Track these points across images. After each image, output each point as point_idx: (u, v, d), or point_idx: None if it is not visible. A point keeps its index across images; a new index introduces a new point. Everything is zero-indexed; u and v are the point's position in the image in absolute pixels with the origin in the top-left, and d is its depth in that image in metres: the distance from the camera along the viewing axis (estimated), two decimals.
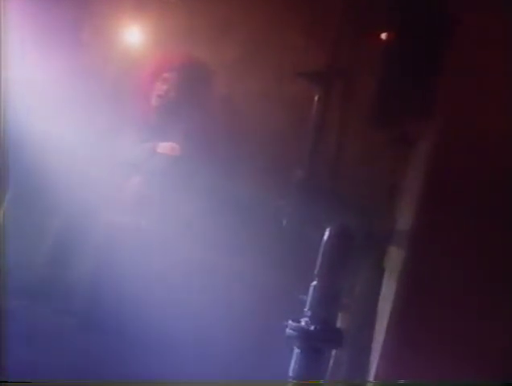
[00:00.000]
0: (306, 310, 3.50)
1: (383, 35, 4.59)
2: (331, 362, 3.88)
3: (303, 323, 3.46)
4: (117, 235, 5.09)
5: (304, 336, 3.41)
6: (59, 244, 5.34)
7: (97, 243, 5.22)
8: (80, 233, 5.34)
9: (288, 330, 3.47)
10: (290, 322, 3.48)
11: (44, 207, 5.45)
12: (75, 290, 5.23)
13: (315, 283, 3.54)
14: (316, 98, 4.99)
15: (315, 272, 3.52)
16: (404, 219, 4.30)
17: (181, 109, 5.45)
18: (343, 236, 3.53)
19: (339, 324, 3.61)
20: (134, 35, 5.74)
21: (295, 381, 3.60)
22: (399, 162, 4.56)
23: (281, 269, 4.86)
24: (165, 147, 5.35)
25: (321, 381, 3.66)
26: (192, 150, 5.30)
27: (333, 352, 3.62)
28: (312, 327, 3.42)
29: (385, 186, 4.65)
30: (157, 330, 4.76)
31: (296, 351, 3.47)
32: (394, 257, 4.23)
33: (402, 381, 3.64)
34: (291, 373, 3.52)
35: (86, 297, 5.10)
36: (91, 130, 5.38)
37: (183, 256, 5.01)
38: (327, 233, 3.53)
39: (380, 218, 4.55)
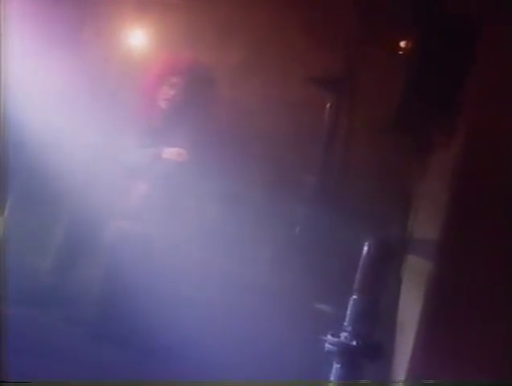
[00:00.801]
0: (345, 324, 3.47)
1: (403, 38, 4.57)
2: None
3: (343, 338, 3.43)
4: (123, 240, 4.99)
5: (345, 351, 3.39)
6: (63, 250, 5.24)
7: (103, 249, 5.12)
8: (86, 239, 5.24)
9: (327, 345, 3.44)
10: (329, 337, 3.45)
11: (48, 213, 5.37)
12: (82, 298, 5.11)
13: (354, 297, 3.51)
14: (328, 104, 4.94)
15: (355, 286, 3.50)
16: (424, 228, 4.30)
17: (187, 113, 5.35)
18: (383, 250, 3.51)
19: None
20: (136, 38, 5.72)
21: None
22: (419, 170, 4.55)
23: (295, 277, 4.82)
24: (171, 152, 5.27)
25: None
26: (198, 155, 5.22)
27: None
28: (354, 342, 3.40)
29: (402, 194, 4.64)
30: (167, 338, 4.66)
31: (336, 365, 3.44)
32: (415, 267, 4.24)
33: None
34: None
35: (94, 304, 4.96)
36: (95, 134, 5.27)
37: (191, 263, 4.94)
38: (366, 247, 3.51)
39: (395, 227, 4.55)
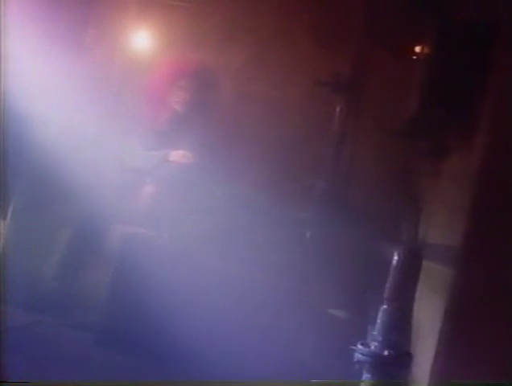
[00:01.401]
0: (375, 334, 3.45)
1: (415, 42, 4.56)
2: None
3: (373, 348, 3.41)
4: (131, 245, 4.93)
5: (377, 361, 3.36)
6: (69, 255, 5.17)
7: (110, 254, 5.05)
8: (92, 244, 5.17)
9: (358, 355, 3.41)
10: (359, 346, 3.43)
11: (52, 217, 5.30)
12: (88, 303, 5.04)
13: (384, 307, 3.49)
14: (338, 108, 4.92)
15: (385, 295, 3.47)
16: (440, 233, 4.29)
17: (196, 115, 5.31)
18: (413, 259, 3.49)
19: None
20: (141, 40, 5.69)
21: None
22: (434, 174, 4.54)
23: (307, 283, 4.80)
24: (177, 155, 5.21)
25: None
26: (206, 157, 5.17)
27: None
28: (386, 352, 3.37)
29: (416, 199, 4.64)
30: (176, 344, 4.61)
31: (366, 375, 3.42)
32: (434, 273, 4.22)
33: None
34: None
35: (102, 311, 4.89)
36: (100, 137, 5.20)
37: (200, 267, 4.89)
38: (396, 256, 3.49)
39: (408, 232, 4.55)
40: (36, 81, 5.07)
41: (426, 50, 4.50)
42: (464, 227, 3.72)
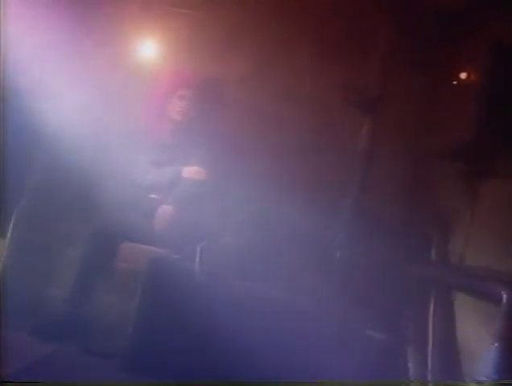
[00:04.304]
0: (491, 374, 3.57)
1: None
2: None
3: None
4: (150, 265, 4.77)
5: None
6: (84, 276, 4.91)
7: (127, 275, 4.87)
8: (104, 264, 4.96)
9: None
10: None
11: (59, 235, 5.00)
12: (105, 327, 4.85)
13: (496, 345, 3.62)
14: (365, 127, 4.98)
15: (496, 334, 3.60)
16: (479, 257, 4.49)
17: (200, 126, 5.20)
18: None
19: None
20: (142, 49, 5.55)
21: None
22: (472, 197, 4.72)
23: (340, 302, 4.85)
24: (191, 172, 5.09)
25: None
26: (219, 174, 5.09)
27: None
28: None
29: (451, 221, 4.80)
30: (207, 372, 4.54)
31: None
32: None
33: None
34: None
35: (121, 335, 4.71)
36: (105, 148, 5.00)
37: (226, 288, 4.83)
38: (505, 295, 3.62)
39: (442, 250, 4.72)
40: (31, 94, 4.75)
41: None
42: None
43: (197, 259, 4.68)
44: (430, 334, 4.52)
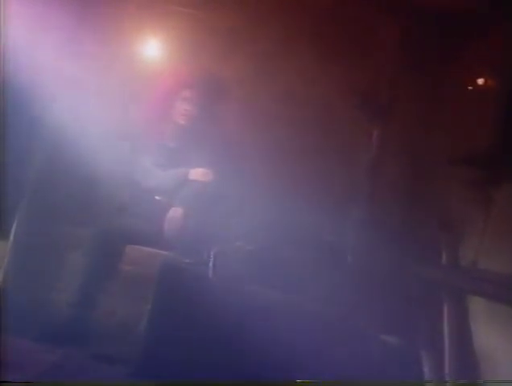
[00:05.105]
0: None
1: None
2: None
3: None
4: (162, 270, 4.69)
5: None
6: (89, 279, 4.79)
7: (136, 278, 4.78)
8: (113, 268, 4.85)
9: None
10: None
11: (62, 238, 4.87)
12: (113, 332, 4.74)
13: None
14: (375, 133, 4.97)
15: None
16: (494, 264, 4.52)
17: (202, 128, 5.11)
18: None
19: None
20: (143, 49, 5.49)
21: None
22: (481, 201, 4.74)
23: (353, 307, 4.83)
24: (197, 174, 5.01)
25: None
26: (226, 175, 5.03)
27: None
28: None
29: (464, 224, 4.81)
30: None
31: None
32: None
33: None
34: None
35: (136, 341, 4.61)
36: (109, 154, 4.89)
37: (239, 292, 4.76)
38: None
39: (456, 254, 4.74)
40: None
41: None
42: None
43: (211, 264, 4.57)
44: (445, 338, 4.50)
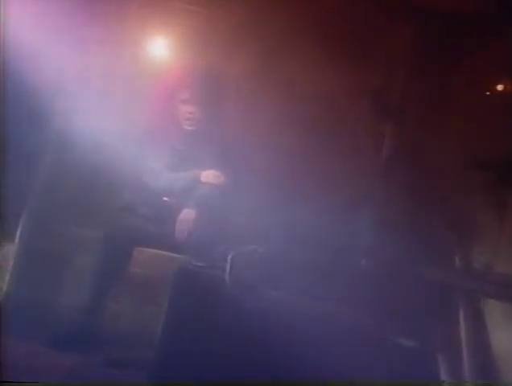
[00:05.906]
0: None
1: None
2: None
3: None
4: (176, 272, 4.59)
5: None
6: (99, 281, 4.66)
7: (149, 281, 4.67)
8: (122, 270, 4.74)
9: None
10: None
11: (69, 240, 4.74)
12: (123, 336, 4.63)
13: None
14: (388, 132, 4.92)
15: None
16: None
17: (211, 129, 5.01)
18: None
19: None
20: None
21: None
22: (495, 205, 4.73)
23: (369, 311, 4.79)
24: (208, 176, 4.92)
25: None
26: (238, 177, 4.95)
27: None
28: None
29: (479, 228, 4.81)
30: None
31: None
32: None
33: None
34: None
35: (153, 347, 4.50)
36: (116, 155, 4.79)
37: (253, 296, 4.68)
38: None
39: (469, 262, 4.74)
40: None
41: None
42: None
43: (228, 268, 4.48)
44: (462, 341, 4.48)
